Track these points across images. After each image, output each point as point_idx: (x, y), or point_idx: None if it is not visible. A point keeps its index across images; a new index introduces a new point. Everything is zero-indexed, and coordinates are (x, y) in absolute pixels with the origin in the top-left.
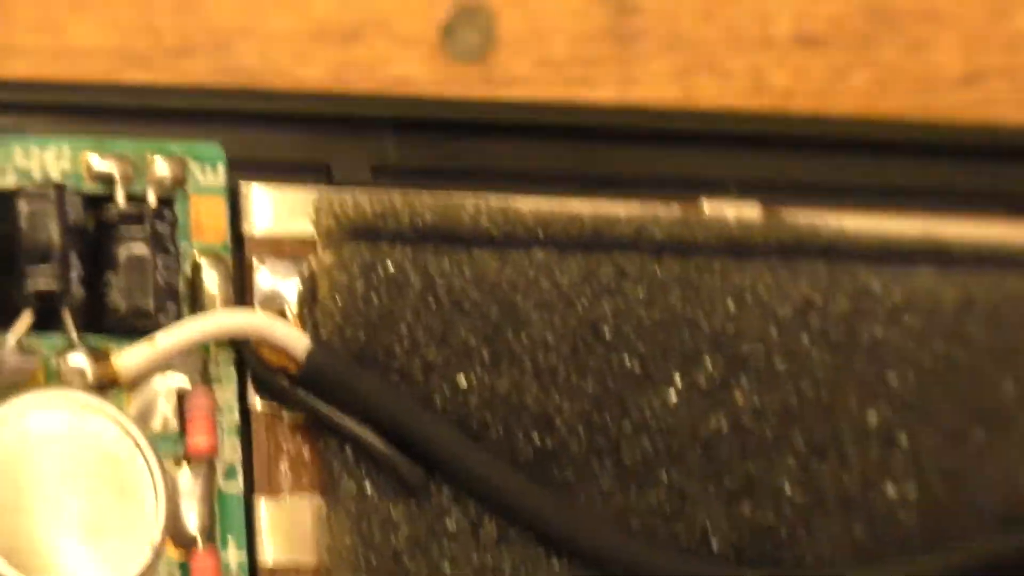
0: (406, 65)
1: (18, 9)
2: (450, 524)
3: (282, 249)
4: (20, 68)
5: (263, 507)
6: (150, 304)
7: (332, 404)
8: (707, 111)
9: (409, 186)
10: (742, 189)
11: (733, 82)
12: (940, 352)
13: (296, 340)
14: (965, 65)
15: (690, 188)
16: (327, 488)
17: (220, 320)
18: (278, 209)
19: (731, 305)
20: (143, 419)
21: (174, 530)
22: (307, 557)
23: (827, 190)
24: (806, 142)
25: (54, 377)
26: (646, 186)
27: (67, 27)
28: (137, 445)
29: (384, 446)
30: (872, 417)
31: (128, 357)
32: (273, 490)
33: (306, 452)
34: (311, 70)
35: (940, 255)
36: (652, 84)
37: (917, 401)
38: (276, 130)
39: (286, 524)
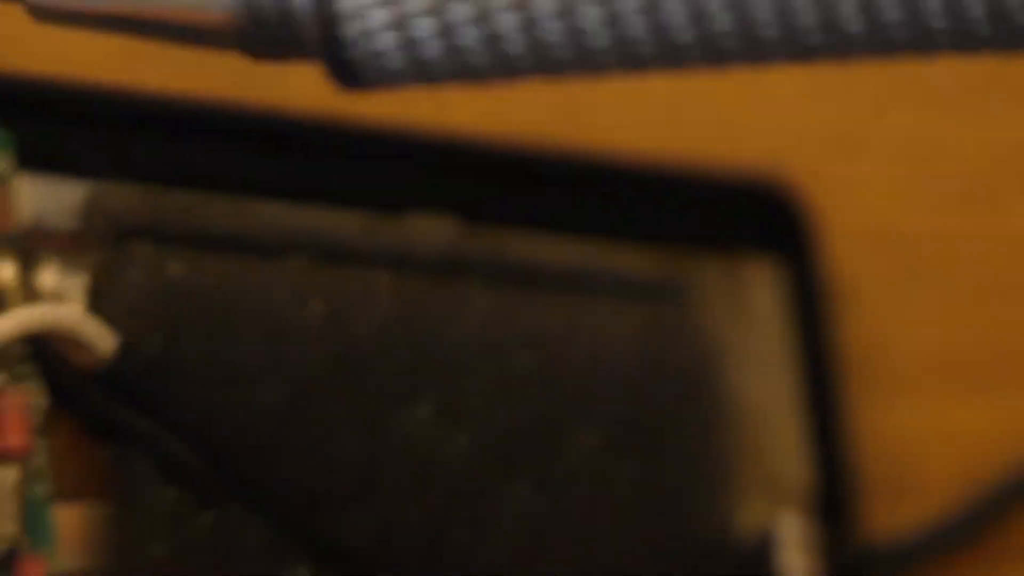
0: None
1: (17, 8)
2: (245, 538)
3: (59, 244)
4: (20, 65)
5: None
6: None
7: (135, 409)
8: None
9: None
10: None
11: (733, 81)
12: None
13: (103, 339)
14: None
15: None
16: (119, 496)
17: (35, 314)
18: (47, 202)
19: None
20: None
21: None
22: (95, 565)
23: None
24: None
25: None
26: (355, 200)
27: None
28: None
29: (188, 456)
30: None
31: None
32: (65, 495)
33: (95, 457)
34: (311, 70)
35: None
36: (652, 84)
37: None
38: (26, 120)
39: (77, 532)
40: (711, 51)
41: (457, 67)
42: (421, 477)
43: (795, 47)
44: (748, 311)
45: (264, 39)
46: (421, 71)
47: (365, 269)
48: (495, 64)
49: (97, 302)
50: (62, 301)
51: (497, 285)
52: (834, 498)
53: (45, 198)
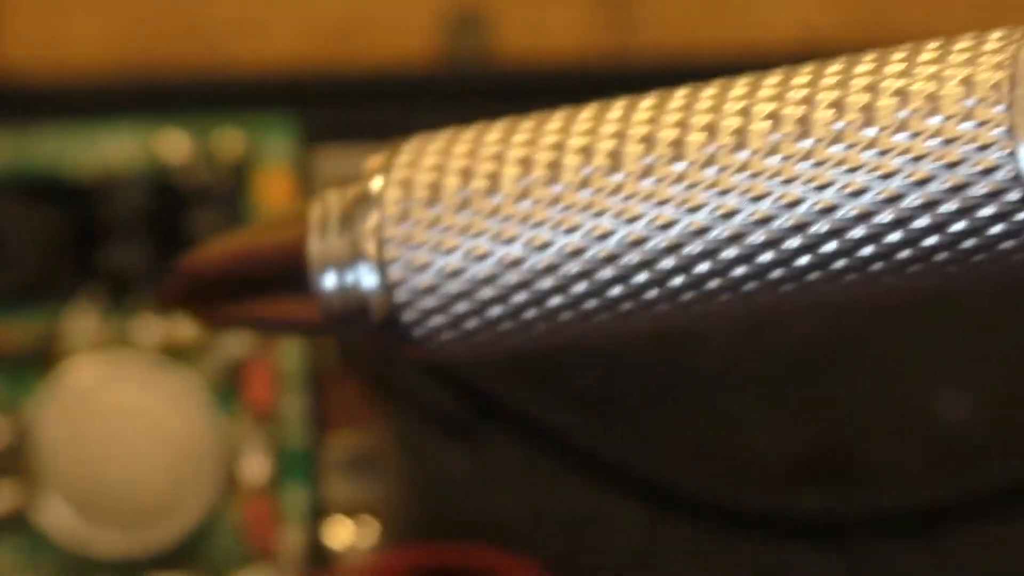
0: (405, 65)
1: (20, 7)
2: (503, 460)
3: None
4: (22, 62)
5: (330, 451)
6: None
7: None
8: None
9: None
10: None
11: None
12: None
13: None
14: None
15: None
16: (388, 432)
17: None
18: (349, 175)
19: None
20: (210, 380)
21: (237, 478)
22: (373, 495)
23: None
24: None
25: (129, 343)
26: None
27: (68, 23)
28: (198, 404)
29: (436, 390)
30: (933, 331)
31: (190, 324)
32: (340, 435)
33: (370, 400)
34: (311, 69)
35: None
36: (652, 85)
37: (977, 316)
38: (348, 103)
39: (353, 466)
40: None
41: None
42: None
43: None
44: None
45: (346, 329)
46: (467, 341)
47: None
48: (544, 327)
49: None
50: None
51: None
52: None
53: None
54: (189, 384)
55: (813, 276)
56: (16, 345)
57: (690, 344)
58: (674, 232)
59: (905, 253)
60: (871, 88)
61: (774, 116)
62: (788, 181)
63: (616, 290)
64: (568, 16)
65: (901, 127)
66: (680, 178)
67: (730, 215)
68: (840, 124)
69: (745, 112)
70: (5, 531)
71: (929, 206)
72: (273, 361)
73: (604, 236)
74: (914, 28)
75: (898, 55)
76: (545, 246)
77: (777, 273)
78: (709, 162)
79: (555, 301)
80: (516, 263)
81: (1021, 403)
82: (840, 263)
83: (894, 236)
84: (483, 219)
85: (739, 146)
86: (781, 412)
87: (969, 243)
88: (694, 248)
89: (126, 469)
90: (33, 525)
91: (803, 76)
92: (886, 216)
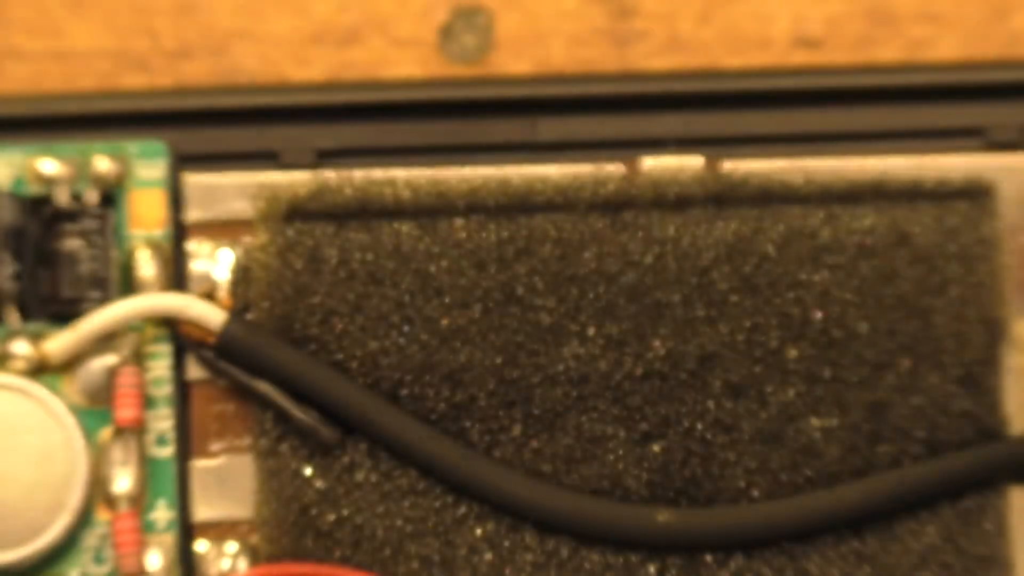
0: (404, 67)
1: (16, 12)
2: (361, 478)
3: (220, 234)
4: (19, 72)
5: (197, 468)
6: (82, 294)
7: (252, 373)
8: (644, 73)
9: (352, 167)
10: (684, 145)
11: None
12: (868, 288)
13: (211, 316)
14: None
15: (635, 149)
16: (254, 449)
17: (138, 303)
18: (218, 197)
19: (650, 257)
20: (78, 396)
21: (103, 494)
22: (238, 512)
23: (766, 140)
24: (744, 96)
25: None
26: (590, 150)
27: (66, 30)
28: (63, 420)
29: (297, 408)
30: (792, 354)
31: (56, 341)
32: (206, 452)
33: (237, 418)
34: (310, 72)
35: (875, 193)
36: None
37: (841, 336)
38: (225, 123)
39: (218, 483)
40: None
41: None
42: (577, 406)
43: None
44: None
45: None
46: None
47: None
48: None
49: (241, 282)
50: (207, 285)
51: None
52: None
53: (209, 195)
54: (58, 401)
55: None
56: None
57: (540, 362)
58: None
59: None
60: None
61: None
62: None
63: None
64: (567, 10)
65: None
66: None
67: None
68: None
69: None
70: None
71: None
72: (142, 378)
73: None
74: (907, 25)
75: None
76: None
77: None
78: None
79: None
80: None
81: (870, 427)
82: None
83: None
84: None
85: None
86: (637, 431)
87: None
88: None
89: None
90: None
91: None
92: None
